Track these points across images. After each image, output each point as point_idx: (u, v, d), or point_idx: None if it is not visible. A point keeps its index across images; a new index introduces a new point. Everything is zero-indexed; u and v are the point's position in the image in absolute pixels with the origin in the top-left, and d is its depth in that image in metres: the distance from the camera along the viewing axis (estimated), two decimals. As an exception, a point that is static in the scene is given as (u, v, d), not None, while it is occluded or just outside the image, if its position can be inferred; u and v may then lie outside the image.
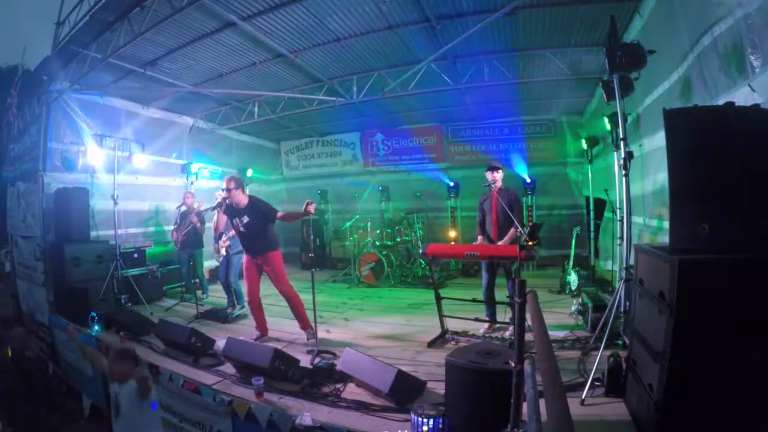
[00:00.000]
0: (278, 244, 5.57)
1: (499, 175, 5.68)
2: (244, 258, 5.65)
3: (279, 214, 5.36)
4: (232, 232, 6.82)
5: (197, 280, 8.08)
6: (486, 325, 5.52)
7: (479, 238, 5.75)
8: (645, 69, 4.33)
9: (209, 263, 9.24)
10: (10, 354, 7.45)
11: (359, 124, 11.91)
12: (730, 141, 2.59)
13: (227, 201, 5.36)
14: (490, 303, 5.53)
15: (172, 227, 8.33)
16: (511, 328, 5.18)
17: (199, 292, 7.93)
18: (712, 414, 2.53)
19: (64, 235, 7.24)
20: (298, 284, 9.51)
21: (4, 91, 10.35)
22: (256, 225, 5.29)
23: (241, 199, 5.39)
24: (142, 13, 5.50)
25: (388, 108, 10.16)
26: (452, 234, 11.00)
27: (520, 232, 4.69)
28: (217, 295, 8.04)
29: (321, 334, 5.82)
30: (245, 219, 5.28)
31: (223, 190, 5.35)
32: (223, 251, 6.93)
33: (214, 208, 5.51)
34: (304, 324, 5.46)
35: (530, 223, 4.69)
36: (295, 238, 12.54)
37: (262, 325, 5.68)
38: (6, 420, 6.91)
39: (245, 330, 6.08)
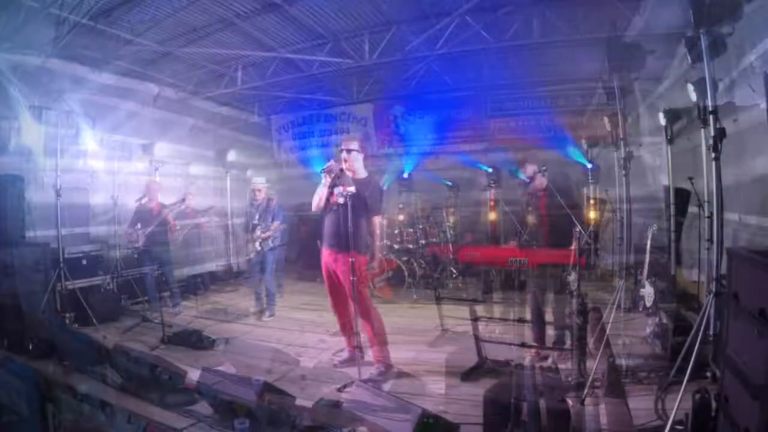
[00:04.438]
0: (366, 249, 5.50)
1: (531, 169, 5.72)
2: (323, 255, 5.53)
3: (378, 218, 5.41)
4: (276, 224, 6.92)
5: (167, 293, 8.11)
6: (534, 351, 5.54)
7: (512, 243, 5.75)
8: (742, 21, 4.30)
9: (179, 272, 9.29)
10: None
11: (372, 94, 11.89)
12: None
13: (344, 165, 5.35)
14: (540, 324, 5.56)
15: (134, 227, 8.21)
16: (567, 355, 5.19)
17: (169, 309, 7.93)
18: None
19: (-9, 237, 7.20)
20: (298, 298, 9.53)
21: None
22: (355, 203, 5.13)
23: (360, 168, 5.51)
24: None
25: (409, 73, 10.15)
26: (492, 233, 11.00)
27: (580, 233, 4.69)
28: (190, 314, 8.12)
29: (326, 358, 5.96)
30: (352, 189, 5.17)
31: (342, 150, 5.40)
32: (257, 245, 6.98)
33: (322, 171, 5.33)
34: (383, 355, 5.43)
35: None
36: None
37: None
38: None
39: (225, 358, 6.13)
